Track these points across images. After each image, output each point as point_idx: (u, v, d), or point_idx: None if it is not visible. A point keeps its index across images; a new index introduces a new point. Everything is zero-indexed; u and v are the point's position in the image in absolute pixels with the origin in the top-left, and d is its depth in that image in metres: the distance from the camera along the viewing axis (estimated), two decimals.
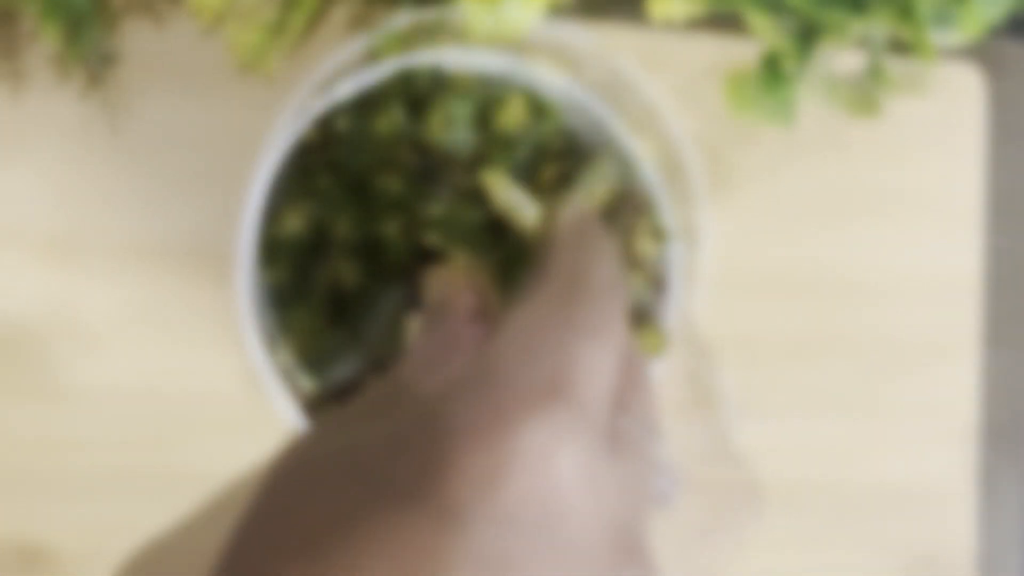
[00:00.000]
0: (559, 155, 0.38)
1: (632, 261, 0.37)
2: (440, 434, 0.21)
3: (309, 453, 0.22)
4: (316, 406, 0.34)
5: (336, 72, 0.37)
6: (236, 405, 0.42)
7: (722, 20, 0.47)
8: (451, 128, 0.36)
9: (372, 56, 0.44)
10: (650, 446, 0.24)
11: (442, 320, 0.28)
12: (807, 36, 0.40)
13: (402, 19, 0.39)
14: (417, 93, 0.36)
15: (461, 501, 0.20)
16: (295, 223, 0.37)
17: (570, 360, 0.22)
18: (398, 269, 0.35)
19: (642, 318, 0.37)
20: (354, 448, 0.21)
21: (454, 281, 0.29)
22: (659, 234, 0.37)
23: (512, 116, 0.37)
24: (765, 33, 0.40)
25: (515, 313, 0.24)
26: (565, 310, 0.23)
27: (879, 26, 0.39)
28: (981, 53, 0.51)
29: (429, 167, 0.37)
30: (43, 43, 0.42)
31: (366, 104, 0.37)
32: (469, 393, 0.22)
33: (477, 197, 0.35)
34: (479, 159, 0.36)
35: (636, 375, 0.27)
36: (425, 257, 0.34)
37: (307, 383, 0.35)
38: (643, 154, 0.38)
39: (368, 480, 0.20)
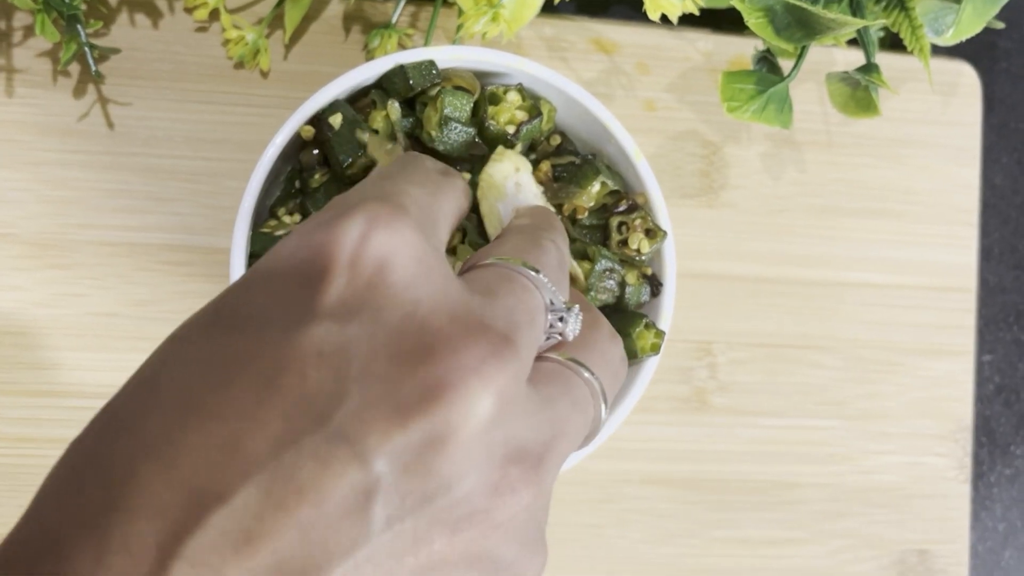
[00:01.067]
0: (554, 152, 0.38)
1: (627, 259, 0.37)
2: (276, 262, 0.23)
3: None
4: None
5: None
6: None
7: (719, 17, 0.47)
8: (446, 124, 0.36)
9: (367, 52, 0.44)
10: (541, 286, 0.26)
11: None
12: (803, 34, 0.40)
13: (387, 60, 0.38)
14: (412, 89, 0.36)
15: (296, 305, 0.22)
16: (290, 220, 0.37)
17: (384, 185, 0.25)
18: None
19: (637, 316, 0.37)
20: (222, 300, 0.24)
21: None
22: (653, 232, 0.37)
23: (507, 113, 0.36)
24: (761, 31, 0.40)
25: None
26: (394, 167, 0.27)
27: (875, 25, 0.39)
28: (971, 48, 0.51)
29: None
30: (38, 39, 0.42)
31: (361, 100, 0.37)
32: (319, 215, 0.24)
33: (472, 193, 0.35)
34: (474, 155, 0.36)
35: (554, 230, 0.30)
36: None
37: None
38: (639, 151, 0.38)
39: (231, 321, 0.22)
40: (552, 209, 0.31)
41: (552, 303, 0.26)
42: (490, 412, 0.22)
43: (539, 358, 0.26)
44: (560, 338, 0.26)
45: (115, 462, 0.20)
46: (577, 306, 0.27)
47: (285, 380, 0.21)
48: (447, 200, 0.27)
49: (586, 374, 0.26)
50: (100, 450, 0.21)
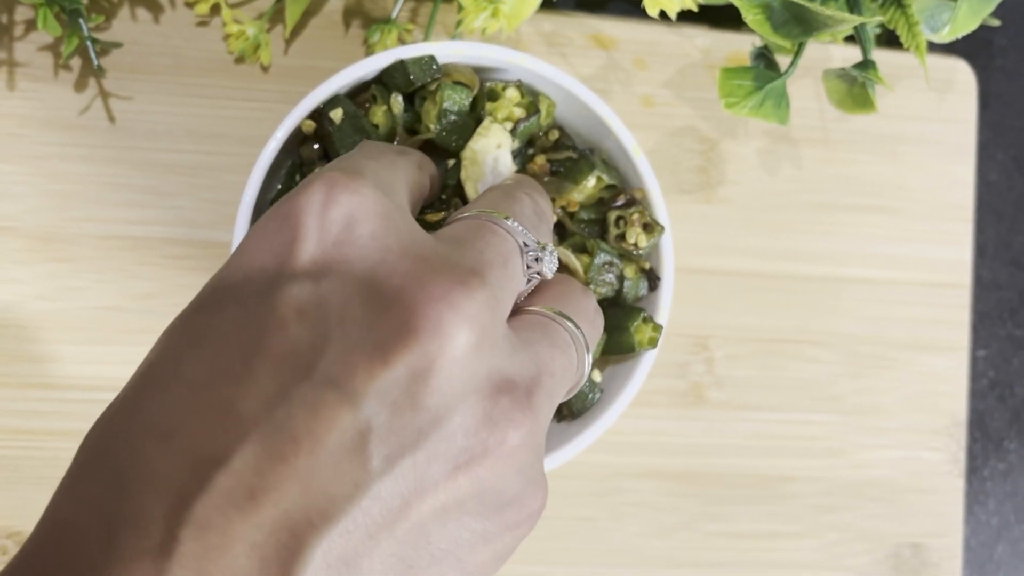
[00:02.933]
0: (552, 147, 0.39)
1: (624, 253, 0.37)
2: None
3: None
4: None
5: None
6: None
7: (717, 13, 0.47)
8: (444, 119, 0.36)
9: (367, 47, 0.44)
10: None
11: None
12: (800, 30, 0.40)
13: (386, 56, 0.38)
14: (412, 84, 0.36)
15: (271, 273, 0.23)
16: None
17: (340, 161, 0.26)
18: None
19: (635, 310, 0.37)
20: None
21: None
22: (651, 227, 0.37)
23: (505, 109, 0.37)
24: (759, 27, 0.40)
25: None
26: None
27: (872, 22, 0.39)
28: (967, 46, 0.51)
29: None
30: (40, 33, 0.42)
31: (361, 95, 0.38)
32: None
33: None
34: None
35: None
36: None
37: None
38: (637, 147, 0.38)
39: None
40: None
41: (526, 244, 0.26)
42: (467, 340, 0.22)
43: (523, 311, 0.27)
44: (539, 277, 0.27)
45: (117, 446, 0.21)
46: (551, 244, 0.28)
47: (268, 340, 0.21)
48: (404, 171, 0.28)
49: (569, 324, 0.27)
50: (103, 440, 0.22)
